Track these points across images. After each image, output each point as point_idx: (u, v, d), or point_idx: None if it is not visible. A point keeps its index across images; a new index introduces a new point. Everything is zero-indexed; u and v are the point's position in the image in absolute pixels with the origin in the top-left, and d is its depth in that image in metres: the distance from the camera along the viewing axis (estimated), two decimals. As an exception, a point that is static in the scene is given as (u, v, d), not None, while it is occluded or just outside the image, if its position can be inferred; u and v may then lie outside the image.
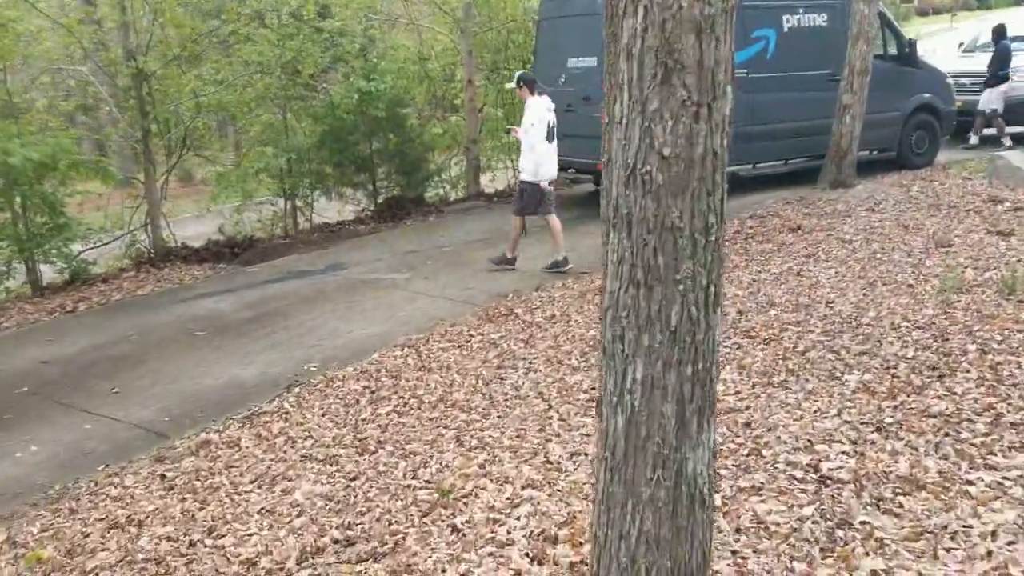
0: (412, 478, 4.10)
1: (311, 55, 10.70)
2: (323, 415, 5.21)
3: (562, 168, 8.96)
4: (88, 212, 9.82)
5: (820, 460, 3.66)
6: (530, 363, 5.60)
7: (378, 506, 3.84)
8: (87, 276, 9.12)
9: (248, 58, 10.40)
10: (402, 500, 3.86)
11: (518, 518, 3.50)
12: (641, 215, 2.17)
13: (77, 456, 4.99)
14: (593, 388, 4.75)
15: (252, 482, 4.25)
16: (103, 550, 3.77)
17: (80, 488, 4.54)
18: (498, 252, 8.56)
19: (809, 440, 3.88)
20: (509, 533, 3.39)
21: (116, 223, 9.87)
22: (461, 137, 12.81)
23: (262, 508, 3.98)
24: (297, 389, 5.79)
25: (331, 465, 4.41)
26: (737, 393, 4.58)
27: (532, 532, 3.37)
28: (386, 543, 3.48)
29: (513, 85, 8.66)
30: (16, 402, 5.85)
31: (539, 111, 8.18)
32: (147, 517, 4.02)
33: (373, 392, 5.54)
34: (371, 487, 4.06)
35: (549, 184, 8.31)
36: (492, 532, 3.43)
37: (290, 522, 3.80)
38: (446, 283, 8.24)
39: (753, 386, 4.66)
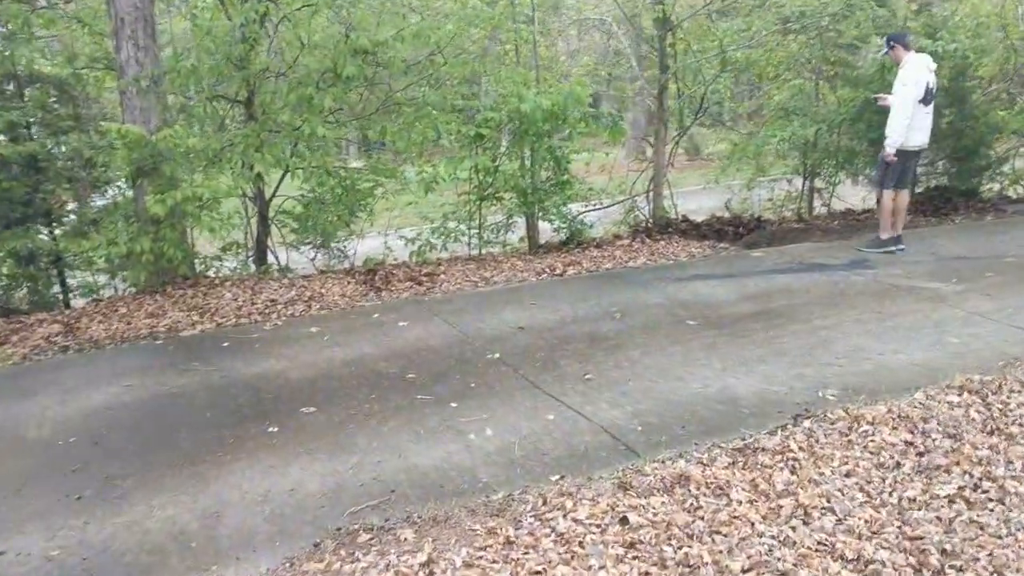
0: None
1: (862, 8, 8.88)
2: (846, 475, 3.65)
3: None
4: (590, 175, 9.25)
5: None
6: None
7: None
8: (582, 239, 8.53)
9: (787, 11, 8.92)
10: None
11: None
12: None
13: (531, 455, 4.08)
14: None
15: (745, 573, 2.87)
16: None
17: (525, 503, 3.58)
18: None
19: None
20: None
21: (618, 188, 9.18)
22: (1041, 120, 9.98)
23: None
24: (807, 423, 4.30)
25: (860, 571, 2.86)
26: None
27: None
28: None
29: (884, 50, 7.92)
30: (485, 369, 5.20)
31: (916, 69, 7.47)
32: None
33: (920, 455, 3.84)
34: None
35: (918, 153, 7.83)
36: None
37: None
38: (1017, 306, 6.05)
39: None
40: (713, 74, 9.14)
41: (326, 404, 4.74)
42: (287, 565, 3.22)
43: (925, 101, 7.52)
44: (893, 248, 7.75)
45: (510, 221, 8.56)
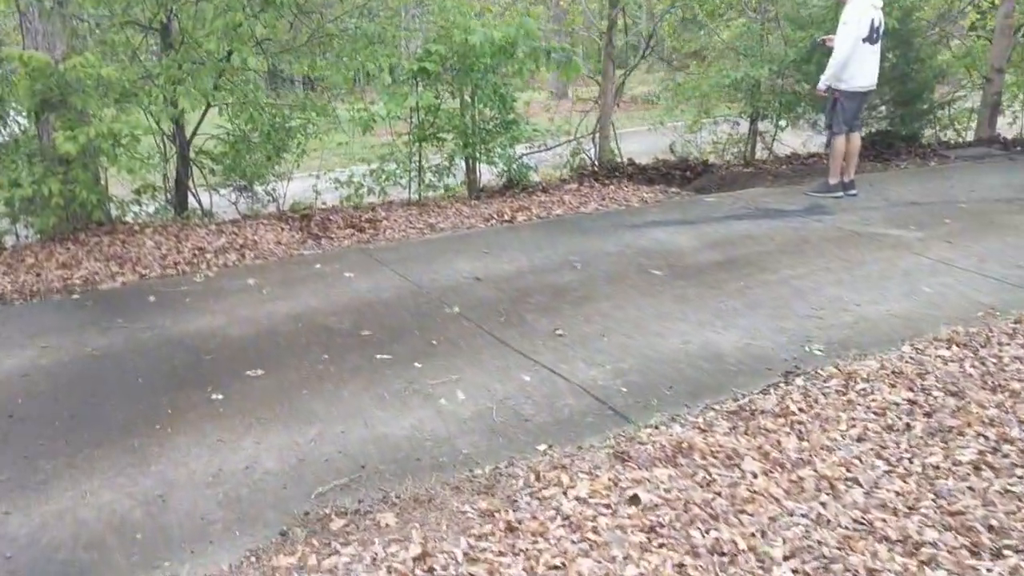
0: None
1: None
2: (859, 440, 3.41)
3: None
4: (531, 116, 8.80)
5: None
6: None
7: None
8: (526, 183, 8.11)
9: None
10: None
11: None
12: None
13: (512, 421, 3.72)
14: None
15: (787, 560, 2.57)
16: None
17: (515, 479, 3.22)
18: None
19: None
20: None
21: (560, 130, 8.76)
22: (981, 65, 9.94)
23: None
24: (800, 381, 4.05)
25: (911, 554, 2.60)
26: None
27: None
28: None
29: None
30: (446, 325, 4.79)
31: (859, 7, 7.21)
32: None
33: (928, 415, 3.63)
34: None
35: (866, 94, 7.55)
36: None
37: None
38: (981, 254, 5.95)
39: None
40: (663, 9, 8.74)
41: (274, 366, 4.27)
42: (252, 560, 2.79)
43: (870, 40, 7.27)
44: (841, 193, 7.60)
45: (451, 164, 8.06)
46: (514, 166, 7.98)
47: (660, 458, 3.30)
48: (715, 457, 3.27)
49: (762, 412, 3.70)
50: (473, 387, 4.04)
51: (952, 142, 10.05)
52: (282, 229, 6.67)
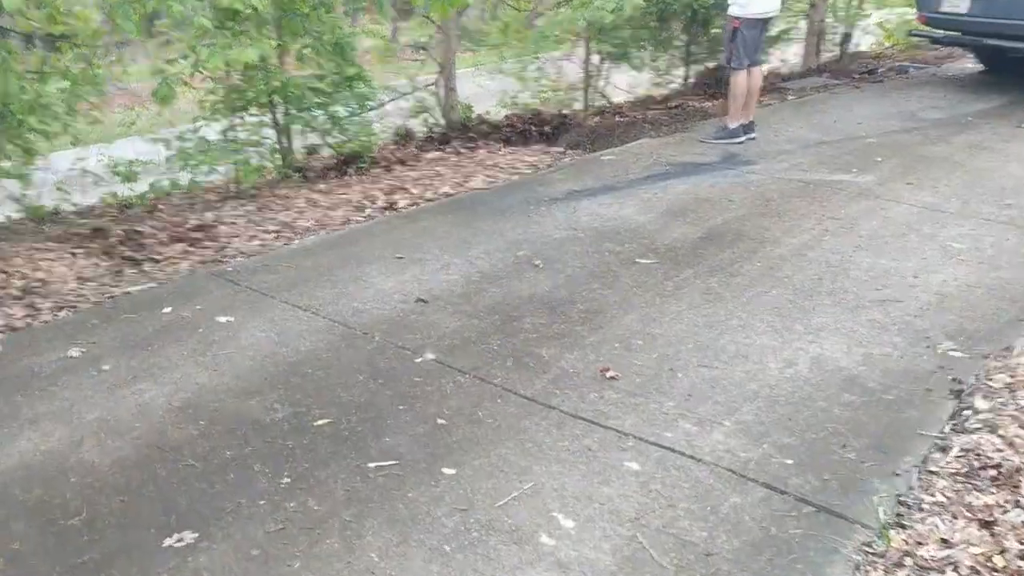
0: None
1: None
2: None
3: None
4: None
5: None
6: None
7: None
8: (373, 156, 6.33)
9: None
10: None
11: None
12: None
13: (687, 560, 2.25)
14: None
15: None
16: None
17: None
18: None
19: None
20: None
21: (403, 79, 7.08)
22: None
23: None
24: (981, 401, 2.92)
25: None
26: None
27: None
28: None
29: None
30: (435, 385, 3.18)
31: None
32: None
33: None
34: None
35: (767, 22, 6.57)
36: None
37: None
38: (958, 195, 5.26)
39: None
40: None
41: (204, 531, 2.41)
42: None
43: None
44: (743, 137, 6.65)
45: (264, 138, 6.07)
46: (361, 135, 6.16)
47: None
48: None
49: (983, 469, 2.52)
50: (569, 500, 2.48)
51: (780, 74, 9.52)
52: (73, 255, 4.47)
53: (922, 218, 4.84)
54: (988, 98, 7.95)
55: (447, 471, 2.63)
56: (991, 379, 3.09)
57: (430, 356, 3.35)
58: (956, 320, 3.58)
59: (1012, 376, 3.09)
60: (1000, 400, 2.94)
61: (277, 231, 4.91)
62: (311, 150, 6.51)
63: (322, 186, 5.80)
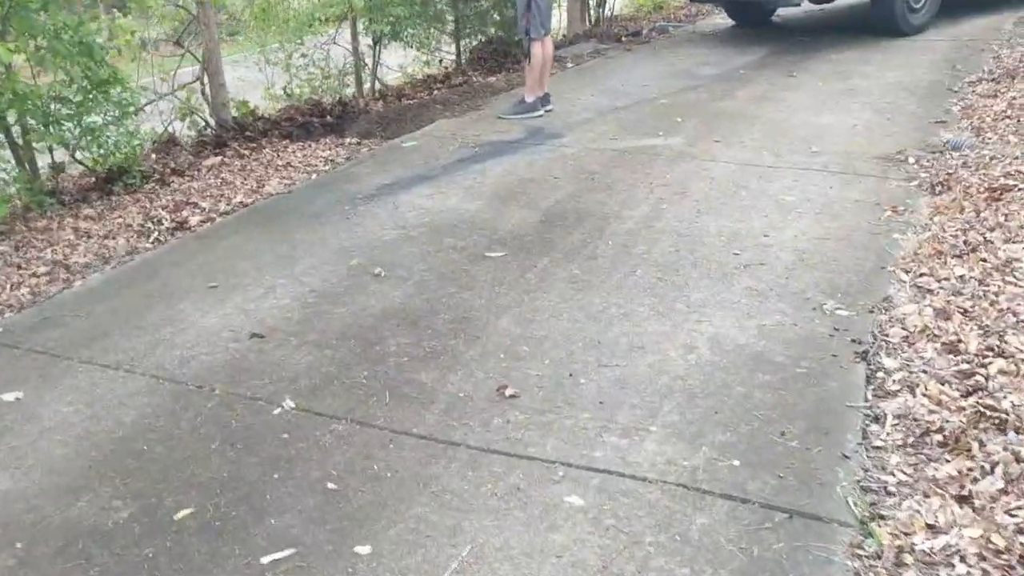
0: None
1: None
2: None
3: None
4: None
5: None
6: None
7: None
8: (140, 169, 5.48)
9: None
10: None
11: None
12: None
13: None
14: None
15: None
16: None
17: None
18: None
19: None
20: None
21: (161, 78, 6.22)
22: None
23: None
24: (885, 359, 2.87)
25: None
26: None
27: None
28: None
29: None
30: (332, 463, 2.63)
31: None
32: None
33: None
34: None
35: None
36: None
37: None
38: (763, 148, 5.33)
39: None
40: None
41: None
42: None
43: None
44: (541, 110, 6.47)
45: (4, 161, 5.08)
46: (124, 148, 5.29)
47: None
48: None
49: (939, 430, 2.42)
50: (520, 561, 2.13)
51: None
52: None
53: (745, 175, 4.83)
54: (751, 51, 8.25)
55: (360, 550, 2.15)
56: (887, 335, 3.02)
57: (290, 404, 2.81)
58: (825, 276, 3.53)
59: (904, 328, 3.04)
60: (905, 356, 2.88)
61: (48, 272, 4.07)
62: (58, 168, 5.54)
63: (88, 211, 4.93)
